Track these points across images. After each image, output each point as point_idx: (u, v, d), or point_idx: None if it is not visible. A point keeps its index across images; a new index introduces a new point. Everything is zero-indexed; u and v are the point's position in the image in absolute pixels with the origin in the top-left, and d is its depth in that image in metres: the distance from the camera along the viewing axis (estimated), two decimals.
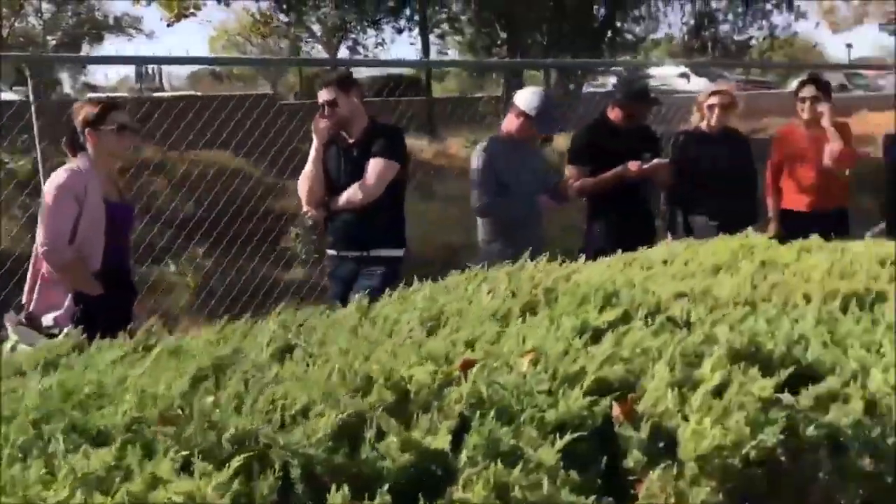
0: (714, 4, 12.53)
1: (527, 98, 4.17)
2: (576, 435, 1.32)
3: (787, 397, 1.45)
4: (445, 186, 8.93)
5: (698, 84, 15.47)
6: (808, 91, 5.00)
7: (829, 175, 4.96)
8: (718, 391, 1.48)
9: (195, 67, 35.60)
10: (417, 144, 11.62)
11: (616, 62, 11.98)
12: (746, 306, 1.95)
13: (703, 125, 4.86)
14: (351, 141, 3.73)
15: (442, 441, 1.28)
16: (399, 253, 3.76)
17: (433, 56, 12.61)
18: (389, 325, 1.90)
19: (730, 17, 12.54)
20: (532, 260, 2.85)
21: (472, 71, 13.83)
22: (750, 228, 3.05)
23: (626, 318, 1.94)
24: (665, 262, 2.63)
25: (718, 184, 4.74)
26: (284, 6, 12.23)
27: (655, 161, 4.36)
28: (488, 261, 4.37)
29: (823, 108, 4.94)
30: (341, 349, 1.65)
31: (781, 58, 16.94)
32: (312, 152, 3.70)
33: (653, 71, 19.36)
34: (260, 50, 26.02)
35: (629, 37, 11.44)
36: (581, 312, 1.95)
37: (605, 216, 4.46)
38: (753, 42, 12.77)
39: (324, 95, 3.68)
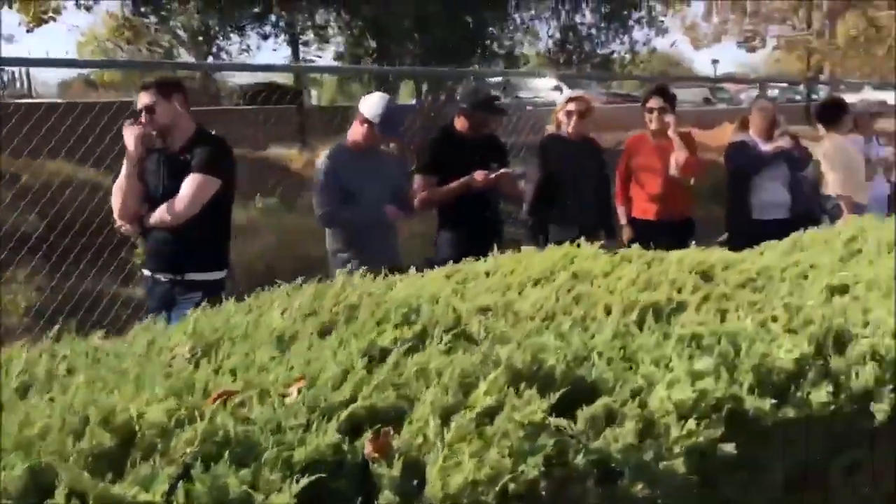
0: (578, 19, 12.85)
1: (370, 104, 4.04)
2: (314, 478, 1.17)
3: (558, 421, 1.36)
4: (310, 197, 8.68)
5: None
6: (655, 102, 5.10)
7: (675, 184, 5.06)
8: (491, 416, 1.38)
9: (65, 75, 33.69)
10: (287, 154, 11.33)
11: (494, 72, 12.05)
12: (546, 320, 1.87)
13: (562, 132, 4.86)
14: (173, 151, 3.46)
15: (156, 492, 1.11)
16: (219, 276, 3.50)
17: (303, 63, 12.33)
18: (155, 353, 1.70)
19: (593, 31, 12.88)
20: (384, 271, 2.74)
21: (346, 78, 13.62)
22: (582, 238, 3.01)
23: (423, 335, 1.82)
24: (487, 273, 2.55)
25: (575, 191, 4.75)
26: (143, 10, 11.62)
27: (501, 171, 4.31)
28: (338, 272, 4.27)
29: (669, 118, 5.04)
30: (78, 385, 1.45)
31: (646, 72, 17.61)
32: (125, 162, 3.42)
33: (529, 83, 19.76)
34: (130, 55, 24.86)
35: (497, 49, 11.51)
36: (378, 331, 1.82)
37: (452, 226, 4.37)
38: (615, 56, 13.18)
39: (142, 100, 3.40)
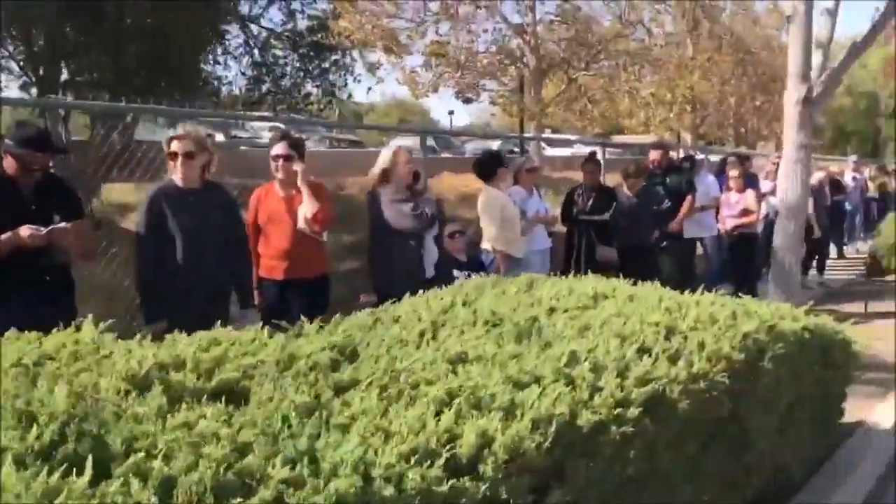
0: (271, 58, 12.25)
1: None
2: None
3: None
4: None
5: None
6: (281, 149, 4.52)
7: (306, 239, 4.51)
8: None
9: None
10: None
11: (202, 112, 11.03)
12: None
13: (177, 179, 4.09)
14: None
15: None
16: None
17: None
18: None
19: (287, 70, 12.35)
20: None
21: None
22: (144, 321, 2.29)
23: None
24: None
25: (191, 252, 3.98)
26: None
27: (62, 225, 3.46)
28: None
29: (298, 167, 4.50)
30: None
31: (385, 117, 17.56)
32: None
33: (247, 122, 18.85)
34: None
35: (183, 83, 10.56)
36: None
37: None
38: (313, 98, 12.70)
39: None
